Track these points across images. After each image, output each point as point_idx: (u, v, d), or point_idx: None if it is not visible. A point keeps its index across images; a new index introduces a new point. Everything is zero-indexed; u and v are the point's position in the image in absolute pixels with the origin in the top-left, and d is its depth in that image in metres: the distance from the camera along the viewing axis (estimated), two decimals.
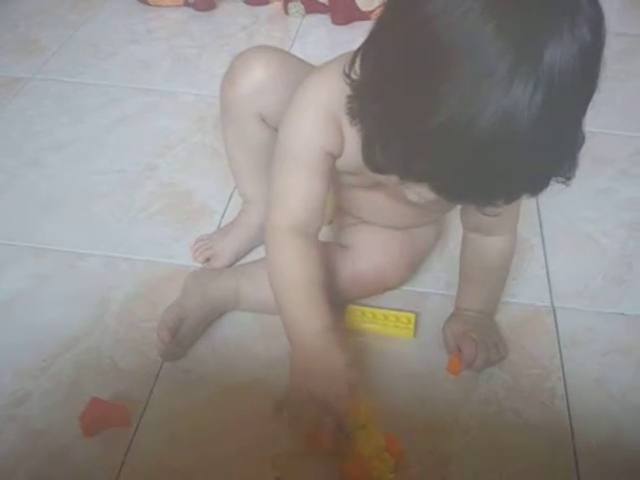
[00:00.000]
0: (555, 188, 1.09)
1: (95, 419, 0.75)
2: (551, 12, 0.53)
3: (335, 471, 0.71)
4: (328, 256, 0.85)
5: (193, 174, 1.11)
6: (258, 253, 0.95)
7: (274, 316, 0.81)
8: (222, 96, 0.88)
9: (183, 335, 0.82)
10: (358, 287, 0.87)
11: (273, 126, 0.85)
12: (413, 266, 0.91)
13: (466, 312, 0.86)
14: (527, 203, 1.05)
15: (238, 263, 0.95)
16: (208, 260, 0.95)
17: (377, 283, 0.88)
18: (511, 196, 0.61)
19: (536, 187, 0.61)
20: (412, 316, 0.87)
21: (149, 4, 1.55)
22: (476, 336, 0.82)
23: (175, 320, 0.82)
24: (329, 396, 0.69)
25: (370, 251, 0.87)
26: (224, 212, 1.04)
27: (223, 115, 0.89)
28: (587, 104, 0.58)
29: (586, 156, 1.21)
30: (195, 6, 1.54)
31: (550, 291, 0.94)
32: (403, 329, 0.85)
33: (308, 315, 0.75)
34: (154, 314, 0.87)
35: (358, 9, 1.48)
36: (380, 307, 0.88)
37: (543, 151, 0.56)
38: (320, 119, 0.73)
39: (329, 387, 0.70)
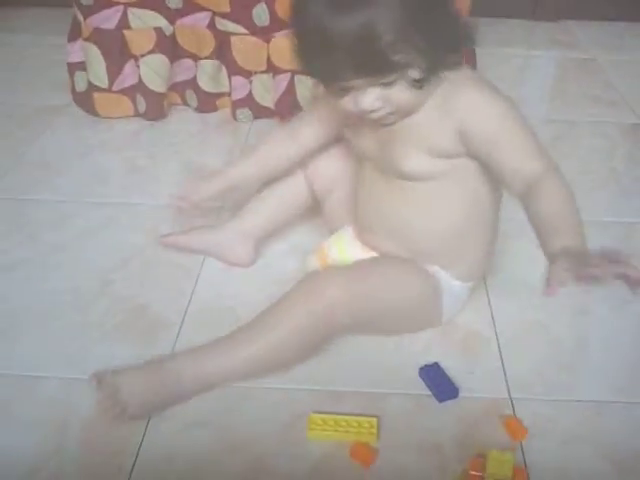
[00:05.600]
0: (503, 277, 1.13)
1: None
2: None
3: None
4: None
5: (148, 287, 1.12)
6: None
7: None
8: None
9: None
10: None
11: None
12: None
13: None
14: (478, 295, 1.09)
15: None
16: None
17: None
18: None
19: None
20: (374, 420, 0.87)
21: (100, 116, 1.59)
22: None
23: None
24: None
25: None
26: (181, 324, 1.04)
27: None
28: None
29: (529, 244, 1.26)
30: (145, 115, 1.59)
31: (507, 383, 0.95)
32: (366, 434, 0.86)
33: None
34: (114, 437, 0.87)
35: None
36: (341, 413, 0.89)
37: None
38: None
39: None
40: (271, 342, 0.91)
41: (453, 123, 0.89)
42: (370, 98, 0.85)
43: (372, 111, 0.87)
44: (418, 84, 0.85)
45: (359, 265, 1.00)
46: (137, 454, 0.85)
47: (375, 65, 0.82)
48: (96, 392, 0.87)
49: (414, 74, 0.84)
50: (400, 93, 0.85)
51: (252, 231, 1.14)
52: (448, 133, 0.89)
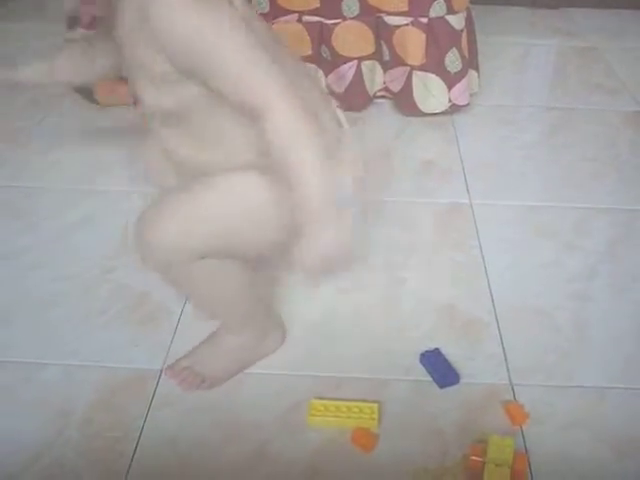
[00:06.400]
0: (504, 264, 1.13)
1: None
2: None
3: None
4: None
5: (149, 275, 1.10)
6: None
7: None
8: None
9: None
10: None
11: None
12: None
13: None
14: (479, 281, 1.10)
15: None
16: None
17: None
18: None
19: None
20: (375, 406, 0.87)
21: (100, 104, 1.58)
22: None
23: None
24: None
25: None
26: (181, 313, 1.04)
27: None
28: None
29: (530, 230, 1.26)
30: None
31: (507, 369, 0.96)
32: (367, 420, 0.86)
33: None
34: (116, 422, 0.87)
35: None
36: (342, 399, 0.89)
37: None
38: None
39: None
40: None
41: (153, 40, 0.74)
42: None
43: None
44: None
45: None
46: (138, 440, 0.86)
47: None
48: (174, 380, 0.93)
49: None
50: None
51: None
52: (152, 52, 0.75)
